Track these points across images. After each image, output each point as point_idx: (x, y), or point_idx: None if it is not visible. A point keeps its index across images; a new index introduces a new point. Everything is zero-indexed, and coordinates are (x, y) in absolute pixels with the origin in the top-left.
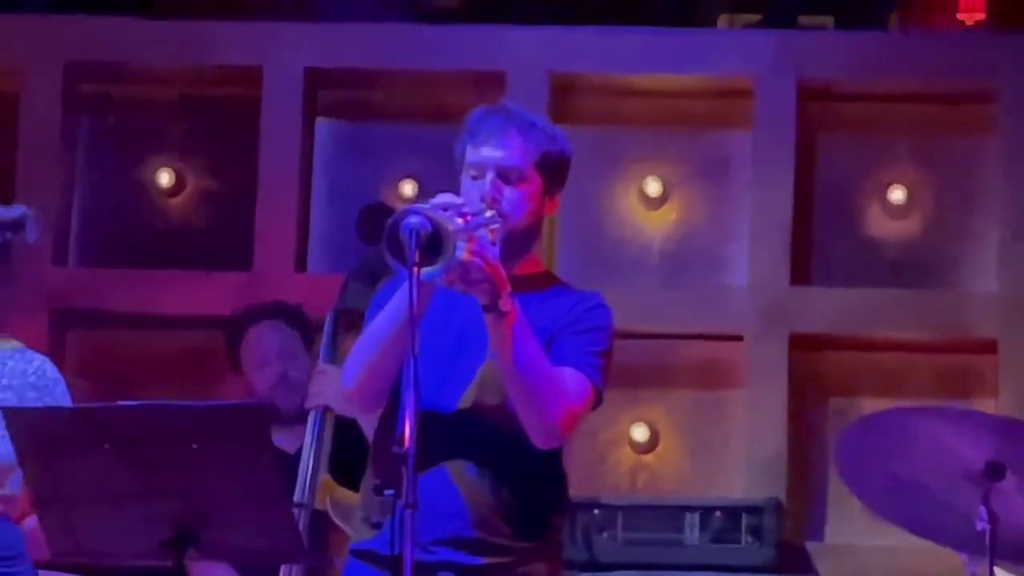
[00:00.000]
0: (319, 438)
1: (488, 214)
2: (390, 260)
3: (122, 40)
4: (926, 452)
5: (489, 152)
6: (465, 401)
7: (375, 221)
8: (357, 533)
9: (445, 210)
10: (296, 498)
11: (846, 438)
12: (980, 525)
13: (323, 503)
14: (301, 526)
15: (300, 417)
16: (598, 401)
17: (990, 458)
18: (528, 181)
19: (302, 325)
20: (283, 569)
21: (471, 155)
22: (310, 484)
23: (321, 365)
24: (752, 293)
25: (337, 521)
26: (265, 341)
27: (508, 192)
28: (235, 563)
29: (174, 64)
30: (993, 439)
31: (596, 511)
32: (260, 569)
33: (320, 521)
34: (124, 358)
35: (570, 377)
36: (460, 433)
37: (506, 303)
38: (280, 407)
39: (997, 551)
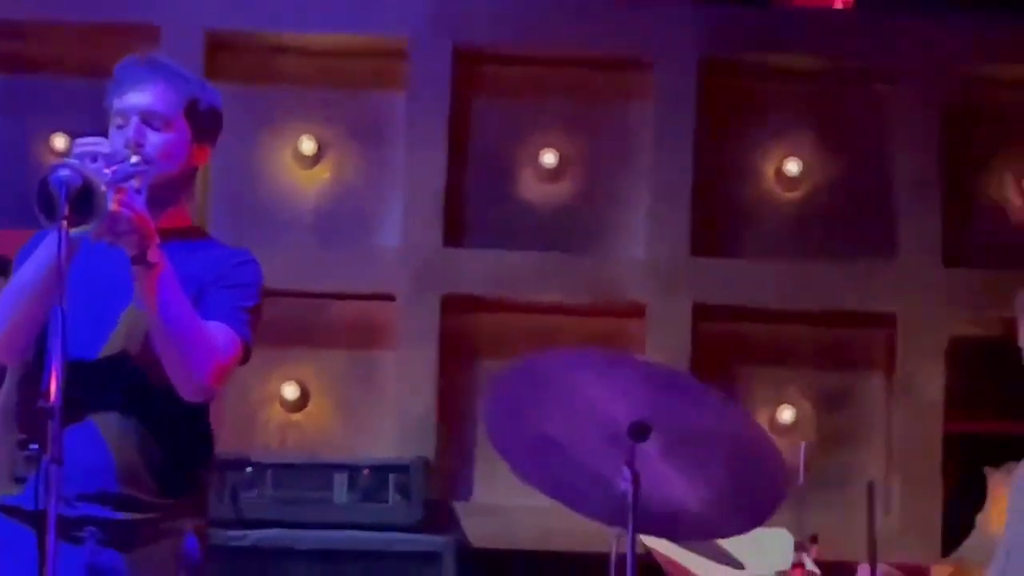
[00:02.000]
0: None
1: (133, 160)
2: (40, 215)
3: None
4: (573, 405)
5: (134, 98)
6: (110, 348)
7: None
8: (2, 488)
9: (94, 160)
10: None
11: (497, 386)
12: (623, 485)
13: None
14: None
15: None
16: (246, 356)
17: (636, 417)
18: (174, 128)
19: None
20: None
21: (117, 104)
22: None
23: None
24: (405, 254)
25: None
26: None
27: (153, 137)
28: None
29: None
30: (639, 393)
31: (245, 469)
32: None
33: None
34: None
35: (218, 331)
36: (107, 382)
37: (154, 254)
38: None
39: (642, 526)
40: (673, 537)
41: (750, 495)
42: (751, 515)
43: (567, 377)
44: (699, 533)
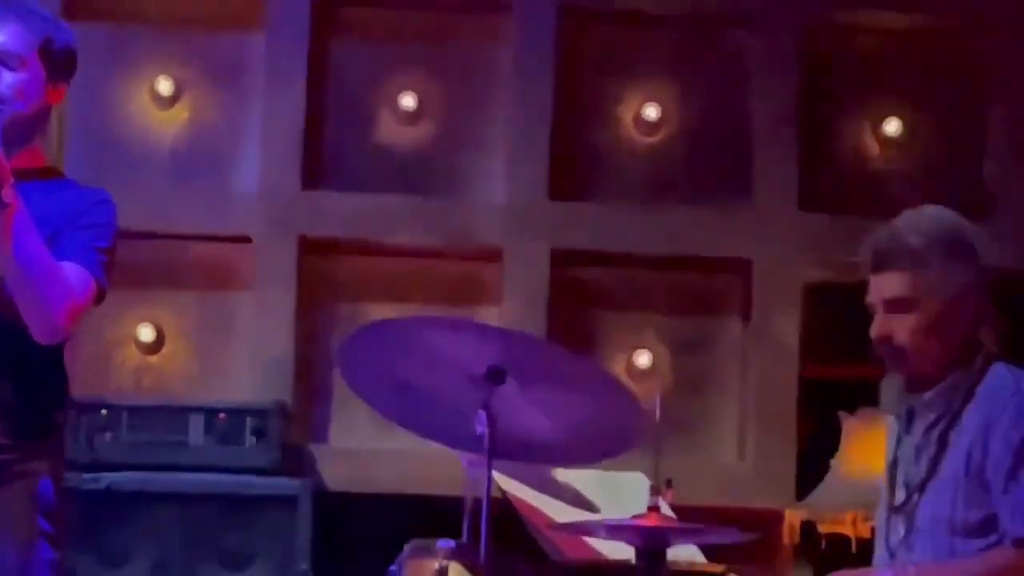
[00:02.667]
0: None
1: None
2: None
3: None
4: (430, 358)
5: None
6: None
7: None
8: None
9: None
10: None
11: (348, 345)
12: (479, 429)
13: None
14: None
15: None
16: (100, 297)
17: (492, 363)
18: (28, 67)
19: None
20: None
21: None
22: None
23: None
24: (262, 196)
25: None
26: None
27: (7, 77)
28: None
29: None
30: (494, 347)
31: (100, 411)
32: None
33: None
34: None
35: (72, 272)
36: None
37: (8, 195)
38: None
39: (498, 451)
40: (532, 461)
41: (607, 428)
42: (608, 445)
43: (421, 337)
44: (558, 459)
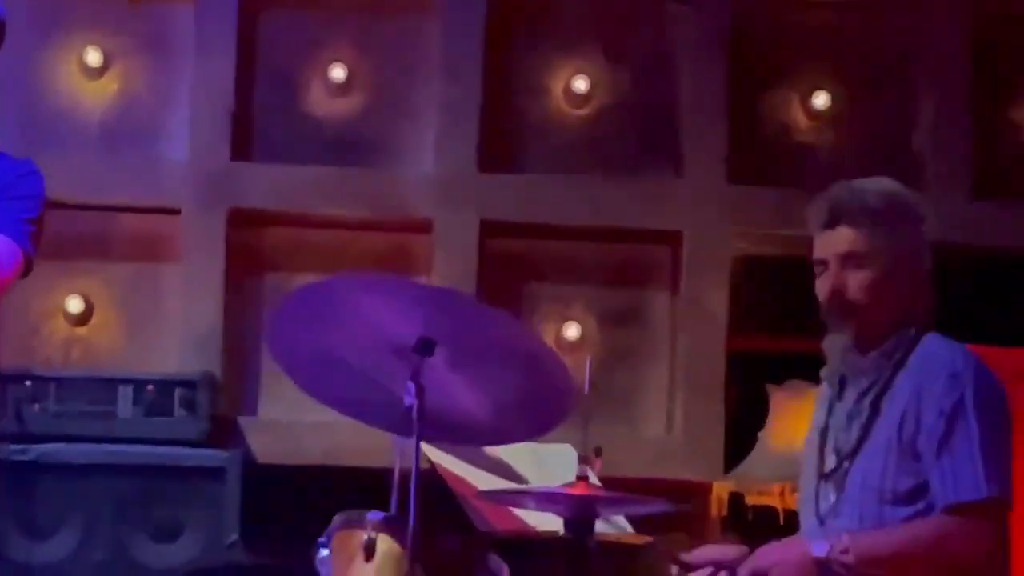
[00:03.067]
0: None
1: None
2: None
3: None
4: (358, 327)
5: None
6: None
7: None
8: None
9: None
10: None
11: (277, 311)
12: (408, 400)
13: None
14: None
15: None
16: (28, 268)
17: (421, 333)
18: None
19: None
20: None
21: None
22: None
23: None
24: (191, 167)
25: None
26: None
27: None
28: None
29: None
30: (423, 311)
31: (28, 383)
32: None
33: None
34: None
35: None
36: None
37: None
38: None
39: (426, 430)
40: (461, 442)
41: (536, 405)
42: (537, 423)
43: (349, 300)
44: (486, 439)
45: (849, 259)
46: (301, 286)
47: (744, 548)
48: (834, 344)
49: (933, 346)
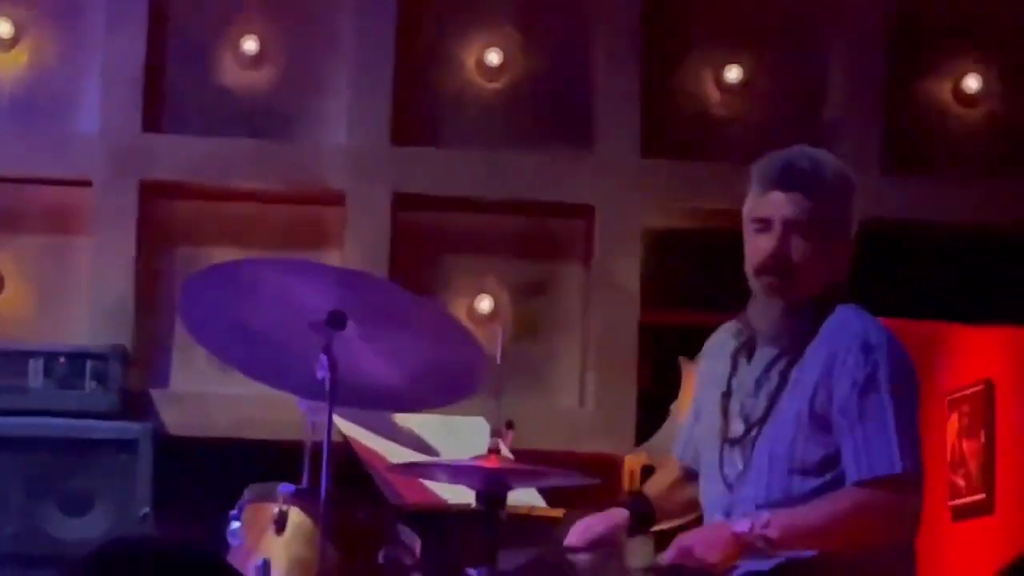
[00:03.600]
0: None
1: None
2: None
3: None
4: (271, 303)
5: None
6: None
7: None
8: None
9: None
10: None
11: (190, 287)
12: (320, 373)
13: None
14: None
15: None
16: None
17: (332, 307)
18: None
19: None
20: None
21: None
22: None
23: None
24: (103, 139)
25: None
26: None
27: None
28: None
29: None
30: (335, 290)
31: None
32: None
33: None
34: None
35: None
36: None
37: None
38: None
39: (341, 397)
40: (376, 407)
41: (448, 373)
42: (450, 391)
43: (261, 278)
44: (401, 405)
45: (796, 225)
46: (213, 265)
47: (617, 512)
48: (768, 310)
49: (846, 317)
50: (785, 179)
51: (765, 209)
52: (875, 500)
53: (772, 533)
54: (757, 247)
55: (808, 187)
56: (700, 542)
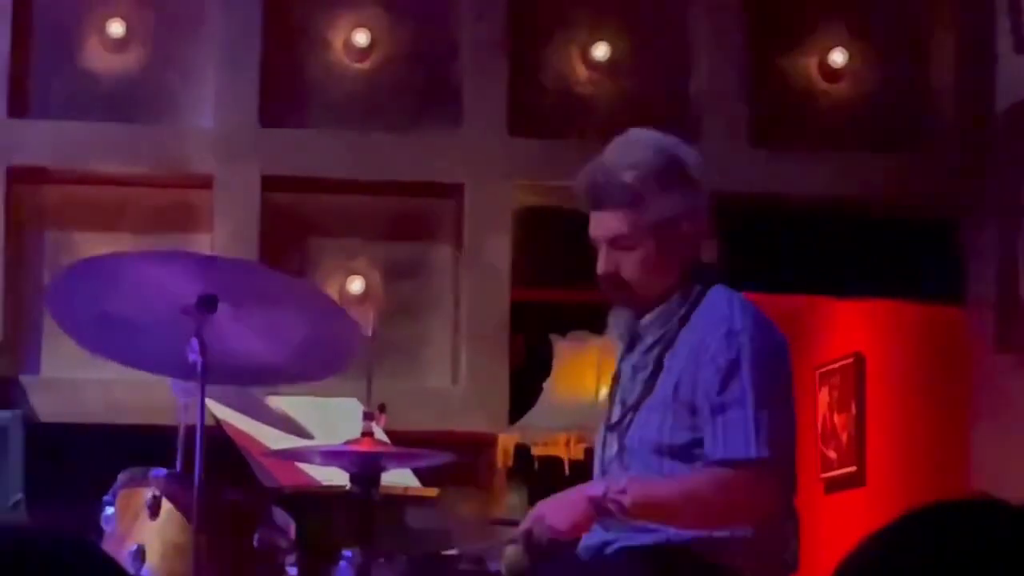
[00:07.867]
0: None
1: None
2: None
3: None
4: (140, 292)
5: None
6: None
7: None
8: None
9: None
10: None
11: (56, 286)
12: (192, 356)
13: None
14: None
15: None
16: None
17: (201, 292)
18: None
19: None
20: None
21: None
22: None
23: None
24: None
25: None
26: None
27: None
28: None
29: None
30: (203, 274)
31: None
32: None
33: None
34: None
35: None
36: None
37: None
38: None
39: (218, 376)
40: (253, 384)
41: (321, 346)
42: (325, 364)
43: (130, 272)
44: (277, 380)
45: (617, 241)
46: (80, 260)
47: None
48: (618, 318)
49: (715, 302)
50: (592, 199)
51: (592, 230)
52: (729, 481)
53: (626, 500)
54: (598, 267)
55: (613, 202)
56: (552, 509)
